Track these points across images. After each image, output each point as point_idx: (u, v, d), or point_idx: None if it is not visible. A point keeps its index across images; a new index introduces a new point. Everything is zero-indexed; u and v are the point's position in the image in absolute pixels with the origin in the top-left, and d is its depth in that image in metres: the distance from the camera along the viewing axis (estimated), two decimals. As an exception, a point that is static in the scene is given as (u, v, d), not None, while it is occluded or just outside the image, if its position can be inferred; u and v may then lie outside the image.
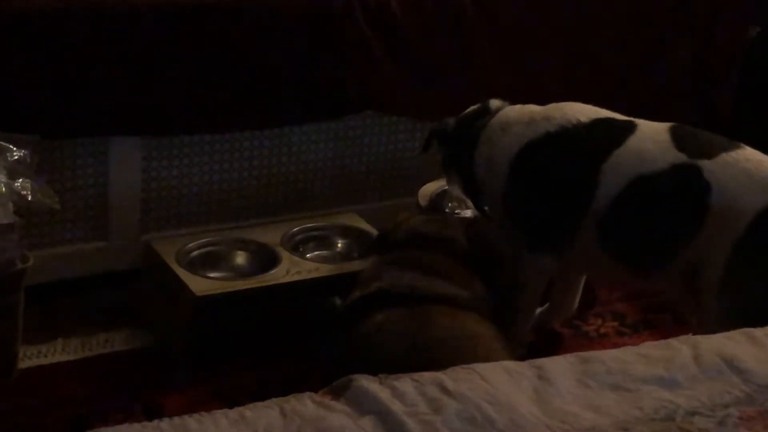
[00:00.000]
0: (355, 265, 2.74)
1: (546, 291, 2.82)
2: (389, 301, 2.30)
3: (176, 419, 1.42)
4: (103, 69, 2.63)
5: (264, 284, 2.69)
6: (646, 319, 3.00)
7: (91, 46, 2.59)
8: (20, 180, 2.44)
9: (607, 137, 2.51)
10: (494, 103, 2.72)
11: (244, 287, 2.68)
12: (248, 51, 2.78)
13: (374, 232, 2.96)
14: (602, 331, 2.94)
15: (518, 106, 2.70)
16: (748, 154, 2.41)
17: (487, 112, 2.70)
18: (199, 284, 2.63)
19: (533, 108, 2.66)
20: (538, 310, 2.88)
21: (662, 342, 1.73)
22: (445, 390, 1.50)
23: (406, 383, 1.52)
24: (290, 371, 2.61)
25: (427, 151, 2.85)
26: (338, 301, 2.56)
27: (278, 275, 2.72)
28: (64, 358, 2.65)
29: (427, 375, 1.54)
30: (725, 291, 2.34)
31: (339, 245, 3.01)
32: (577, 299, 2.91)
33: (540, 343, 2.81)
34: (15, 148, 2.46)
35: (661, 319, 3.01)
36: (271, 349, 2.69)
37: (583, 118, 2.56)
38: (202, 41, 2.71)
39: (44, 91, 2.59)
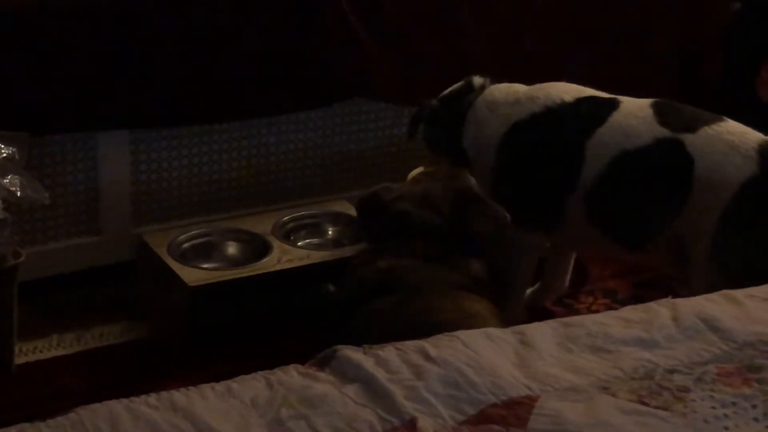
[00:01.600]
0: (347, 252, 2.76)
1: (538, 269, 2.85)
2: (385, 288, 2.32)
3: (164, 393, 1.45)
4: (88, 64, 2.64)
5: (256, 273, 2.71)
6: (638, 296, 3.01)
7: (76, 42, 2.61)
8: (9, 177, 2.46)
9: (591, 115, 2.55)
10: (477, 80, 2.75)
11: (237, 276, 2.70)
12: (233, 41, 2.80)
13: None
14: (594, 308, 2.96)
15: (503, 85, 2.73)
16: (730, 126, 2.44)
17: (470, 90, 2.73)
18: (192, 275, 2.65)
19: (518, 88, 2.69)
20: (530, 288, 2.91)
21: (642, 305, 1.76)
22: (427, 357, 1.52)
23: (389, 352, 1.55)
24: (287, 358, 2.61)
25: (413, 137, 2.88)
26: (331, 288, 2.57)
27: (270, 264, 2.75)
28: (60, 352, 2.67)
29: (410, 343, 1.56)
30: (713, 261, 2.37)
31: (330, 232, 3.03)
32: (568, 277, 2.94)
33: (532, 322, 2.82)
34: (3, 146, 2.48)
35: (652, 296, 2.98)
36: (266, 337, 2.71)
37: (568, 98, 2.59)
38: (186, 32, 2.73)
39: (31, 87, 2.60)
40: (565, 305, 2.97)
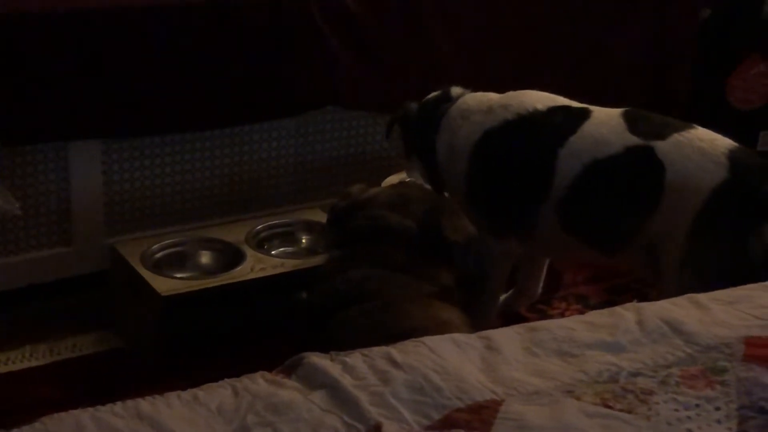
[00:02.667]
0: (320, 260, 2.76)
1: (511, 276, 2.87)
2: (357, 298, 2.32)
3: (129, 402, 1.44)
4: (59, 73, 2.64)
5: (229, 281, 2.71)
6: (610, 301, 3.03)
7: (46, 51, 2.60)
8: (-20, 187, 2.46)
9: (563, 124, 2.57)
10: (455, 90, 2.77)
11: (210, 285, 2.70)
12: (205, 50, 2.80)
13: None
14: (567, 314, 2.98)
15: (478, 94, 2.75)
16: (700, 133, 2.46)
17: (448, 99, 2.75)
18: (165, 284, 2.65)
19: (491, 96, 2.71)
20: (504, 295, 2.92)
21: (608, 309, 1.77)
22: (393, 362, 1.53)
23: (356, 358, 1.55)
24: (261, 367, 2.61)
25: (389, 137, 2.90)
26: (304, 296, 2.58)
27: (243, 272, 2.75)
28: (33, 363, 2.66)
29: (376, 349, 1.57)
30: (685, 267, 2.39)
31: (304, 241, 3.04)
32: (541, 283, 2.95)
33: (504, 328, 2.84)
34: (-26, 157, 2.48)
35: (624, 301, 3.01)
36: (241, 346, 2.70)
37: (540, 106, 2.62)
38: (157, 42, 2.73)
39: (1, 98, 2.59)
40: (539, 311, 2.98)
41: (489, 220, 2.66)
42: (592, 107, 2.61)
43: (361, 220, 2.51)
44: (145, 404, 1.44)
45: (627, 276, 3.05)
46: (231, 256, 2.84)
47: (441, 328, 2.19)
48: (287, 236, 3.03)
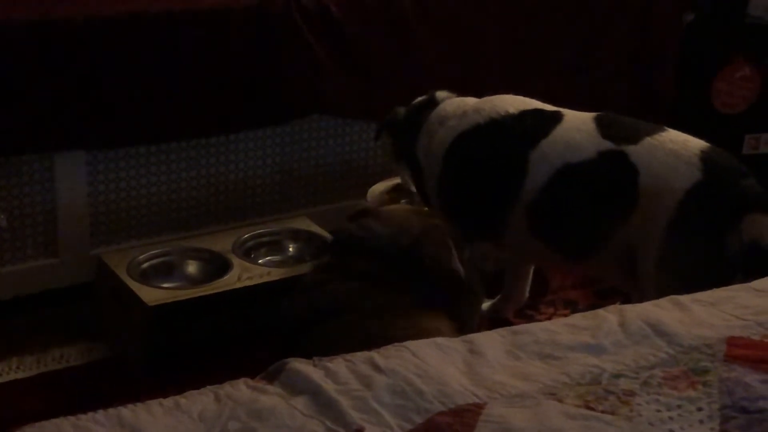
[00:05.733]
0: (307, 268, 2.76)
1: (498, 281, 2.87)
2: (338, 311, 2.32)
3: (111, 410, 1.44)
4: (43, 84, 2.64)
5: (216, 291, 2.71)
6: (598, 305, 2.99)
7: (29, 62, 2.61)
8: (-36, 199, 2.45)
9: (535, 128, 2.57)
10: (441, 94, 2.78)
11: (196, 295, 2.70)
12: (189, 60, 2.81)
13: (325, 234, 2.99)
14: (555, 319, 2.97)
15: (457, 99, 2.76)
16: (672, 135, 2.47)
17: (433, 103, 2.76)
18: (151, 294, 2.65)
19: (468, 100, 2.72)
20: (491, 300, 2.92)
21: (590, 312, 1.78)
22: (376, 367, 1.53)
23: (338, 363, 1.55)
24: (249, 376, 2.61)
25: (378, 141, 2.92)
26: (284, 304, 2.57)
27: (230, 281, 2.75)
28: (20, 375, 2.65)
29: (359, 354, 1.57)
30: (662, 270, 2.39)
31: (290, 249, 3.04)
32: (528, 288, 2.95)
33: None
34: (-42, 168, 2.47)
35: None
36: (228, 355, 2.70)
37: (512, 110, 2.62)
38: (140, 52, 2.73)
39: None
40: (526, 316, 2.98)
41: (460, 221, 2.66)
42: (564, 111, 2.61)
43: (353, 233, 2.50)
44: (126, 412, 1.44)
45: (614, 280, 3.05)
46: (218, 266, 2.84)
47: (424, 336, 2.19)
48: (274, 245, 3.03)
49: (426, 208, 2.77)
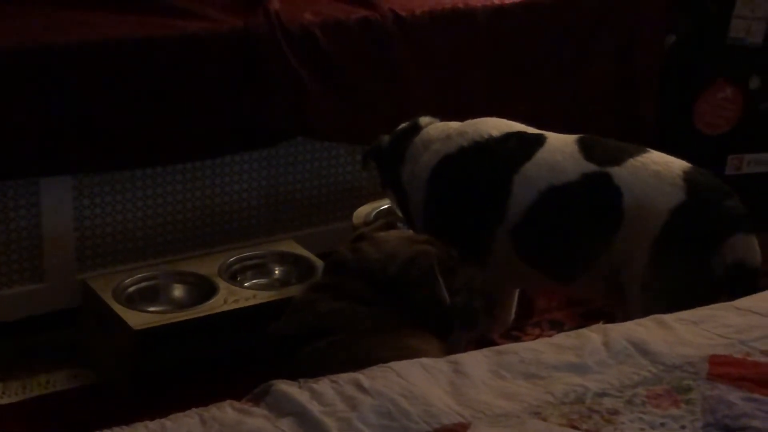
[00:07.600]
0: (293, 291, 2.76)
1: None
2: (326, 331, 2.32)
3: (96, 433, 1.44)
4: (29, 110, 2.64)
5: (202, 314, 2.71)
6: (584, 326, 3.02)
7: (15, 88, 2.61)
8: (-50, 224, 2.45)
9: (518, 150, 2.58)
10: (424, 119, 2.79)
11: (182, 318, 2.70)
12: (174, 84, 2.82)
13: (311, 257, 3.00)
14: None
15: (441, 124, 2.77)
16: (654, 157, 2.48)
17: (417, 129, 2.77)
18: (137, 318, 2.65)
19: (452, 125, 2.73)
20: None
21: (575, 331, 1.79)
22: (361, 388, 1.54)
23: (324, 385, 1.56)
24: (236, 399, 2.61)
25: (366, 169, 2.92)
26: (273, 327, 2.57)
27: (216, 305, 2.75)
28: (6, 401, 2.64)
29: (344, 376, 1.58)
30: (647, 289, 2.40)
31: (277, 272, 3.04)
32: (514, 309, 2.96)
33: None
34: (-57, 194, 2.47)
35: (599, 325, 3.05)
36: (215, 379, 2.69)
37: (495, 133, 2.63)
38: (126, 77, 2.74)
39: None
40: (513, 338, 2.98)
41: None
42: (547, 133, 2.63)
43: (346, 255, 2.50)
44: (112, 436, 1.44)
45: (601, 301, 3.06)
46: (204, 289, 2.84)
47: (413, 356, 2.19)
48: (260, 268, 3.03)
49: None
